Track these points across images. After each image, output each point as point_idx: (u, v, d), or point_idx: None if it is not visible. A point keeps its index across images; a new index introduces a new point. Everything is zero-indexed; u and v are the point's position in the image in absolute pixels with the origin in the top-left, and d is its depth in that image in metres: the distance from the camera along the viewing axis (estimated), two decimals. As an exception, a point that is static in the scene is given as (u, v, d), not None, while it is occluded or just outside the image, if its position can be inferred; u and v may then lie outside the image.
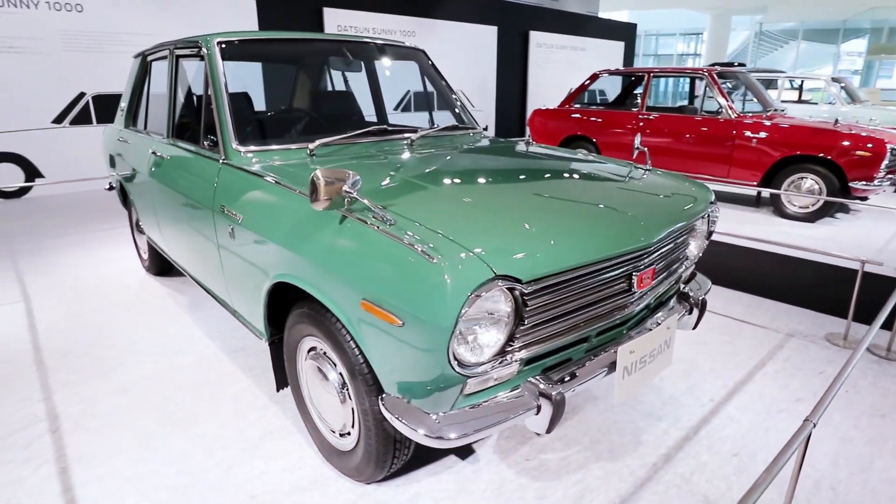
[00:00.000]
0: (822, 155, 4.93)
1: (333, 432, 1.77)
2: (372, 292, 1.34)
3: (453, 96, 2.87)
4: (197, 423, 2.10)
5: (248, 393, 2.30)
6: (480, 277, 1.22)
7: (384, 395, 1.43)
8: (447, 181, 1.81)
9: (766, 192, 5.61)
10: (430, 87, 2.89)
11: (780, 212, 5.36)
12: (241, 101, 2.39)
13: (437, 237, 1.31)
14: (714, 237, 3.75)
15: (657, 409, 2.20)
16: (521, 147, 2.49)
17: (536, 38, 11.67)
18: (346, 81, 3.36)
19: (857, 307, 2.77)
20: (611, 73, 6.73)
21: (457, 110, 2.83)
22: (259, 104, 5.54)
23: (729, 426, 2.09)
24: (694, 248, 2.08)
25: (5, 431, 2.06)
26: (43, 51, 6.09)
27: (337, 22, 8.60)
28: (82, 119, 6.38)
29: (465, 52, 10.44)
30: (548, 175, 2.00)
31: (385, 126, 2.35)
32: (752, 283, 3.53)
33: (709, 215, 2.09)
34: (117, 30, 6.50)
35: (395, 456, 1.61)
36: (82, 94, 6.37)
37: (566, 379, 1.48)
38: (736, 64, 7.12)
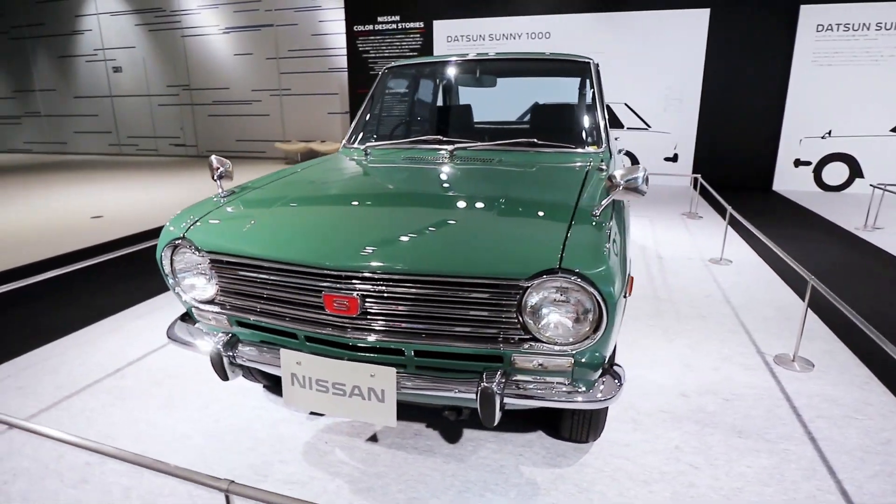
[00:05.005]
0: None
1: None
2: None
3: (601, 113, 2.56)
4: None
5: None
6: (175, 234, 1.70)
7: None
8: (351, 187, 2.11)
9: None
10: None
11: None
12: (375, 110, 2.97)
13: (208, 209, 1.79)
14: None
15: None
16: (545, 170, 2.17)
17: None
18: None
19: None
20: None
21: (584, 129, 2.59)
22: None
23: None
24: (551, 330, 1.41)
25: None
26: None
27: (817, 21, 7.04)
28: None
29: None
30: (448, 195, 1.91)
31: (439, 136, 2.54)
32: None
33: (597, 295, 1.33)
34: (571, 50, 7.65)
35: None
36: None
37: (238, 347, 1.67)
38: None
